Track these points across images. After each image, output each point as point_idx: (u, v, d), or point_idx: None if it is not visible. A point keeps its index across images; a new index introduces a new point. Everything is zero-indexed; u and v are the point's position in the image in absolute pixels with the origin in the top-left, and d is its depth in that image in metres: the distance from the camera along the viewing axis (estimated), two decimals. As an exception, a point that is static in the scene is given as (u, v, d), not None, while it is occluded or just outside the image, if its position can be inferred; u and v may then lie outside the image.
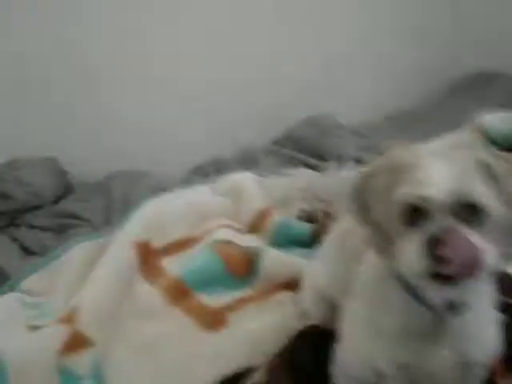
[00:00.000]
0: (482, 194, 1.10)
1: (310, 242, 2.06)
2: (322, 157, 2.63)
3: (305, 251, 2.01)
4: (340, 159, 2.44)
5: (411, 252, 1.09)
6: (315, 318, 1.68)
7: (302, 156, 2.69)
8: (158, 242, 2.05)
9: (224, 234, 2.06)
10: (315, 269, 1.71)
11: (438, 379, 1.33)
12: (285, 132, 2.86)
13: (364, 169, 1.25)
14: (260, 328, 1.76)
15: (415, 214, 1.11)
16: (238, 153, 2.75)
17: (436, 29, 3.33)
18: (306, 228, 2.13)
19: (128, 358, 1.72)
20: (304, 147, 2.74)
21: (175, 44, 2.66)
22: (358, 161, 2.57)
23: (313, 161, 2.63)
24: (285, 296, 1.88)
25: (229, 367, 1.64)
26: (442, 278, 1.08)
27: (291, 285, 1.87)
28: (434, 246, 1.06)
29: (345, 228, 1.58)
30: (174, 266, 1.97)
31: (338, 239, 1.62)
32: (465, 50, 3.41)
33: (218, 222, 2.16)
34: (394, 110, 3.19)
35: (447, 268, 1.06)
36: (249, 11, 2.77)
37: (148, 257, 2.00)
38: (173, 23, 2.63)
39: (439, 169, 1.12)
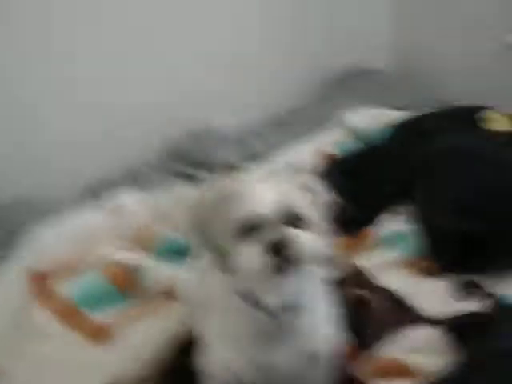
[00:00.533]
0: (301, 205, 1.40)
1: (190, 253, 2.20)
2: (202, 167, 2.80)
3: (186, 262, 2.16)
4: (216, 169, 2.63)
5: (252, 255, 1.35)
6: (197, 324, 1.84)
7: (185, 169, 2.85)
8: (48, 267, 2.20)
9: (109, 254, 2.23)
10: (189, 282, 1.92)
11: (287, 374, 1.57)
12: (169, 145, 3.00)
13: (196, 199, 1.48)
14: (143, 338, 1.94)
15: (249, 229, 1.37)
16: (125, 170, 2.87)
17: (306, 29, 3.48)
18: (185, 240, 2.29)
19: (29, 378, 1.90)
20: (185, 159, 2.90)
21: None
22: (238, 168, 2.79)
23: (195, 172, 2.80)
24: (168, 307, 2.05)
25: (116, 377, 1.83)
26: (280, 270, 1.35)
27: (174, 295, 2.06)
28: (273, 247, 1.33)
29: None
30: (64, 288, 2.13)
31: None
32: (336, 48, 3.58)
33: (105, 242, 2.32)
34: (266, 115, 3.34)
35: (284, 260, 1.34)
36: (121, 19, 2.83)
37: (40, 282, 2.15)
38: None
39: (266, 191, 1.41)
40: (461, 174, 2.30)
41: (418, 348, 1.81)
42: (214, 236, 1.42)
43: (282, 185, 1.44)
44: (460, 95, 3.03)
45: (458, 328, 1.81)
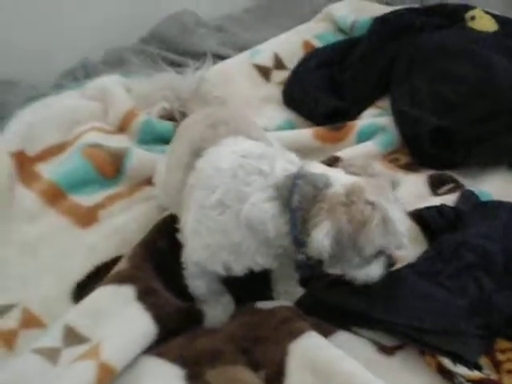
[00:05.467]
0: None
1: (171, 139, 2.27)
2: (185, 54, 2.79)
3: (167, 147, 2.15)
4: (199, 57, 2.61)
5: None
6: (170, 208, 1.90)
7: (167, 54, 2.84)
8: (33, 150, 2.22)
9: (92, 138, 2.24)
10: (162, 166, 1.96)
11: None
12: (150, 30, 2.97)
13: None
14: (127, 221, 2.00)
15: None
16: (107, 54, 2.86)
17: None
18: (167, 126, 2.31)
19: (13, 257, 1.94)
20: (168, 45, 2.89)
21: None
22: (219, 56, 2.78)
23: (178, 58, 2.79)
24: (149, 191, 2.10)
25: (101, 258, 1.90)
26: None
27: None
28: None
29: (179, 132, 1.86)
30: (48, 170, 2.16)
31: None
32: None
33: (88, 125, 2.32)
34: (251, 3, 3.32)
35: None
36: None
37: (24, 164, 2.17)
38: None
39: None
40: (444, 71, 2.33)
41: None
42: None
43: None
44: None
45: (432, 220, 1.87)
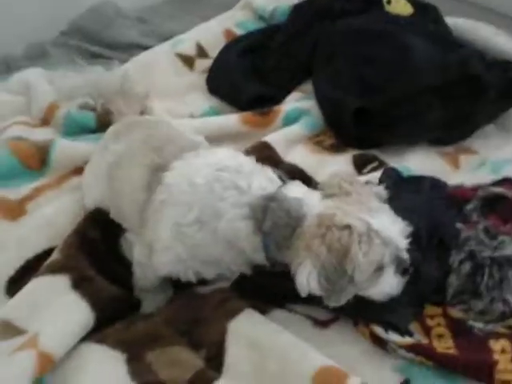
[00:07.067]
0: None
1: (95, 129, 2.26)
2: (107, 45, 2.78)
3: (92, 136, 2.19)
4: (121, 48, 2.60)
5: None
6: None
7: (89, 46, 2.81)
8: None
9: (16, 131, 2.22)
10: (90, 184, 1.94)
11: None
12: (71, 23, 2.94)
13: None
14: (56, 212, 1.96)
15: None
16: (28, 48, 2.82)
17: None
18: (90, 116, 2.28)
19: None
20: (90, 37, 2.86)
21: None
22: (141, 47, 2.78)
23: (100, 50, 2.78)
24: (77, 181, 2.07)
25: (33, 250, 1.86)
26: None
27: (82, 170, 2.05)
28: None
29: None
30: (-29, 166, 2.10)
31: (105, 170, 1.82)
32: None
33: (11, 120, 2.30)
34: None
35: None
36: None
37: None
38: None
39: None
40: (365, 54, 2.38)
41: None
42: None
43: None
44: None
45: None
